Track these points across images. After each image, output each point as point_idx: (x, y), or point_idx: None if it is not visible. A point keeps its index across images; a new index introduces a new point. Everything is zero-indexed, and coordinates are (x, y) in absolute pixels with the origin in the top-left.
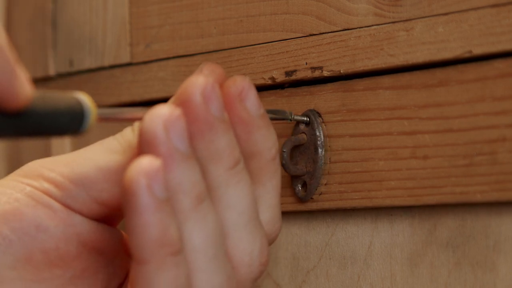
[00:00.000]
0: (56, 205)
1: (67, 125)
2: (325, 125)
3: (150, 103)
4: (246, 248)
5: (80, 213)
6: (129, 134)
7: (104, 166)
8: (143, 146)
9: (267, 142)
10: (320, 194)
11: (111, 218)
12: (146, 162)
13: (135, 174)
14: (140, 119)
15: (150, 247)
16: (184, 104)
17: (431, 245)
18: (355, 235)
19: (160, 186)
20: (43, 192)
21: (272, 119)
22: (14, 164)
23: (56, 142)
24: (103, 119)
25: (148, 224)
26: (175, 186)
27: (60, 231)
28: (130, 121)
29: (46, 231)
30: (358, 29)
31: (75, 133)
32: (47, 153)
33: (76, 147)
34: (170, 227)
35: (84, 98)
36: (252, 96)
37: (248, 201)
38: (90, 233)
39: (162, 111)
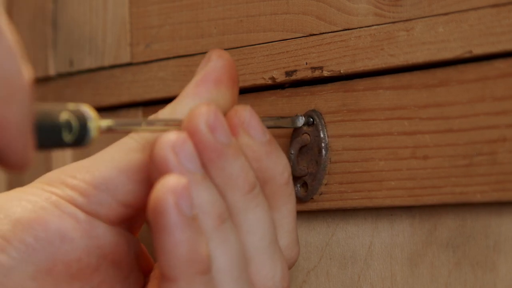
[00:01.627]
0: (81, 215)
1: (70, 139)
2: (326, 127)
3: (150, 103)
4: (268, 273)
5: (106, 219)
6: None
7: (125, 167)
8: (156, 173)
9: (278, 167)
10: (321, 194)
11: (134, 222)
12: (173, 180)
13: (162, 193)
14: (150, 123)
15: (180, 265)
16: (192, 135)
17: (431, 245)
18: (355, 235)
19: (188, 204)
20: (68, 201)
21: (275, 127)
22: None
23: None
24: (105, 131)
25: (177, 242)
26: (197, 206)
27: (84, 243)
28: (135, 131)
29: (71, 242)
30: (358, 29)
31: (78, 146)
32: (47, 158)
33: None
34: (199, 245)
35: (87, 111)
36: (255, 124)
37: (267, 226)
38: (112, 244)
39: (169, 136)
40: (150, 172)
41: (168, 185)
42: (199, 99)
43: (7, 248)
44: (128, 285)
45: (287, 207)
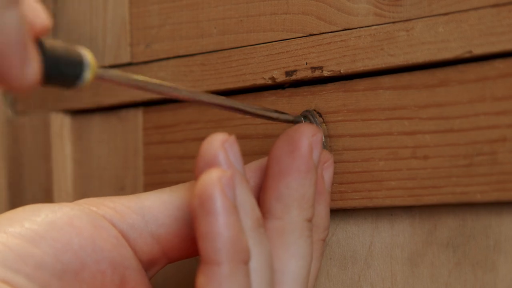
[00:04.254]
0: (113, 231)
1: (65, 75)
2: (326, 125)
3: (150, 103)
4: None
5: (134, 246)
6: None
7: (167, 200)
8: (203, 167)
9: (326, 220)
10: None
11: (155, 263)
12: (219, 171)
13: (210, 179)
14: (140, 87)
15: (225, 249)
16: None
17: (431, 245)
18: (355, 235)
19: (232, 192)
20: (103, 215)
21: (274, 118)
22: (14, 165)
23: (56, 149)
24: (100, 78)
25: (224, 225)
26: (238, 204)
27: (112, 257)
28: (128, 86)
29: (101, 252)
30: (358, 29)
31: (71, 85)
32: (47, 158)
33: (77, 155)
34: (241, 234)
35: (86, 54)
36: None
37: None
38: (135, 273)
39: (219, 136)
40: (197, 167)
41: (215, 173)
42: None
43: (41, 243)
44: None
45: (315, 263)
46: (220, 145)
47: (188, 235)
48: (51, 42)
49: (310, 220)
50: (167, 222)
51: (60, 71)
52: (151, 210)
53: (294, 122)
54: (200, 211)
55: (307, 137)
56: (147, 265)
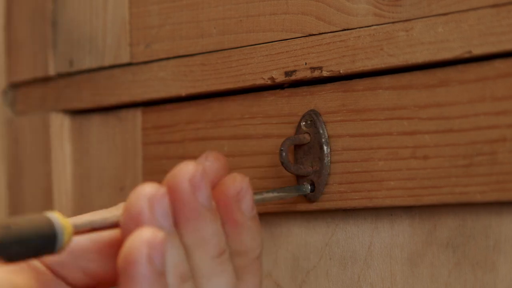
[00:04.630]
0: (48, 273)
1: (41, 248)
2: (325, 125)
3: (150, 103)
4: None
5: (65, 279)
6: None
7: (96, 237)
8: (127, 223)
9: (254, 242)
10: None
11: None
12: (150, 233)
13: (137, 243)
14: (117, 225)
15: None
16: (172, 190)
17: (431, 245)
18: (355, 235)
19: (161, 259)
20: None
21: (282, 198)
22: (14, 165)
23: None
24: (79, 232)
25: None
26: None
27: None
28: (107, 228)
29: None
30: (357, 29)
31: (51, 253)
32: (47, 158)
33: (76, 155)
34: None
35: (55, 217)
36: (248, 198)
37: None
38: None
39: (147, 189)
40: (122, 221)
41: (145, 236)
42: None
43: None
44: None
45: (253, 281)
46: (146, 202)
47: None
48: (7, 222)
49: (221, 254)
50: (96, 257)
51: (28, 247)
52: (80, 247)
53: (298, 192)
54: (122, 276)
55: (185, 179)
56: None
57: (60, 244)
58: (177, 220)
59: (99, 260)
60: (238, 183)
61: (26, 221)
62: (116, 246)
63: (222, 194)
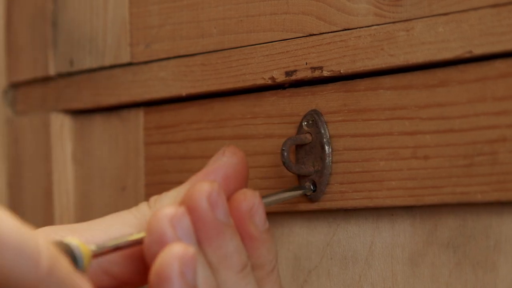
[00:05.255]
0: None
1: None
2: (326, 125)
3: (150, 103)
4: None
5: (88, 279)
6: (145, 209)
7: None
8: (151, 246)
9: (270, 255)
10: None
11: None
12: (181, 248)
13: (169, 258)
14: (140, 242)
15: None
16: (191, 210)
17: (432, 245)
18: (356, 235)
19: (192, 274)
20: None
21: (288, 198)
22: (14, 165)
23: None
24: (98, 254)
25: None
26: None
27: None
28: (127, 248)
29: None
30: (358, 29)
31: None
32: (47, 158)
33: (78, 155)
34: None
35: (74, 245)
36: (260, 212)
37: None
38: None
39: (167, 210)
40: (146, 244)
41: (176, 252)
42: None
43: None
44: None
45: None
46: (167, 223)
47: (143, 270)
48: None
49: (244, 268)
50: (118, 260)
51: None
52: None
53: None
54: None
55: (203, 198)
56: None
57: (80, 269)
58: (199, 239)
59: (123, 263)
60: (249, 199)
61: None
62: (139, 249)
63: (235, 210)
